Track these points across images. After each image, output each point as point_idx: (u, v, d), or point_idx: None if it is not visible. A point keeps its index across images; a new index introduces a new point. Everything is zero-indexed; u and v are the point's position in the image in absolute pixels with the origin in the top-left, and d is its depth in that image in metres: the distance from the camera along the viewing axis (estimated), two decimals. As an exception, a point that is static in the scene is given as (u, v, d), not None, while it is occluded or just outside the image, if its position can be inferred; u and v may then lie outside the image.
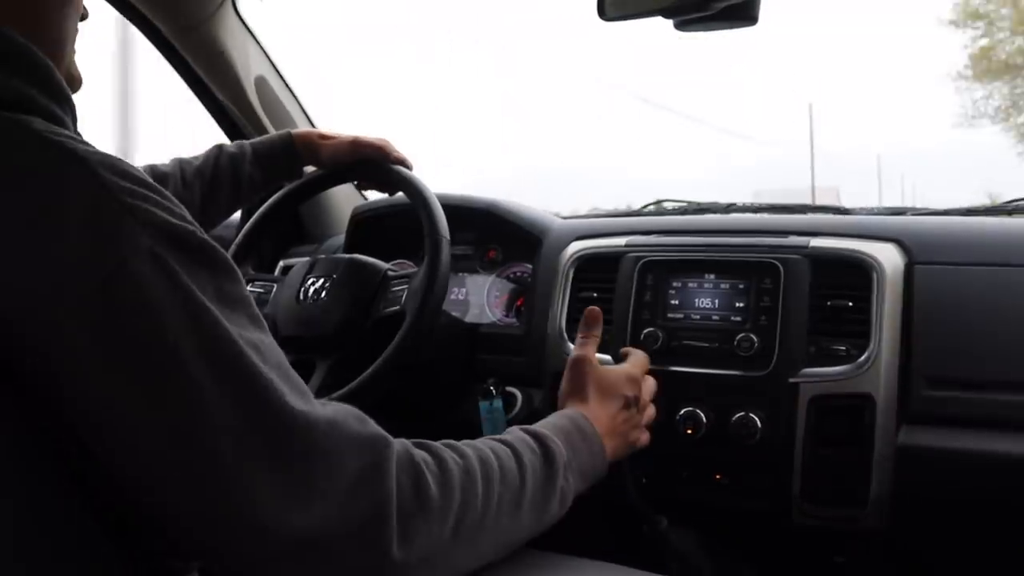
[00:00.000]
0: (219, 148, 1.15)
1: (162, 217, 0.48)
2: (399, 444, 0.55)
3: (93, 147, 0.50)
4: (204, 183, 1.12)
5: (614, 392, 0.85)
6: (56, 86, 0.54)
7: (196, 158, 1.15)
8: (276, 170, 1.17)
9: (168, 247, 0.47)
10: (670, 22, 0.77)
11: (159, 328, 0.45)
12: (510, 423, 1.29)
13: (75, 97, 0.57)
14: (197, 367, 0.46)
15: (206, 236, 0.51)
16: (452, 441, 0.62)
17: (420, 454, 0.56)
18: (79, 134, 0.54)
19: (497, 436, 0.68)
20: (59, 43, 0.60)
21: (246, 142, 1.18)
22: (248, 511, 0.46)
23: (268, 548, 0.47)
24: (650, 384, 0.91)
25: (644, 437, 0.89)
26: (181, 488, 0.46)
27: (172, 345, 0.45)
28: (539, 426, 0.73)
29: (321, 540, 0.47)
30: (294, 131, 1.18)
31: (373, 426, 0.54)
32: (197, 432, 0.45)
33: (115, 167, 0.48)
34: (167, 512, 0.47)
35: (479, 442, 0.64)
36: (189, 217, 0.51)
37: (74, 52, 0.64)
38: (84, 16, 0.64)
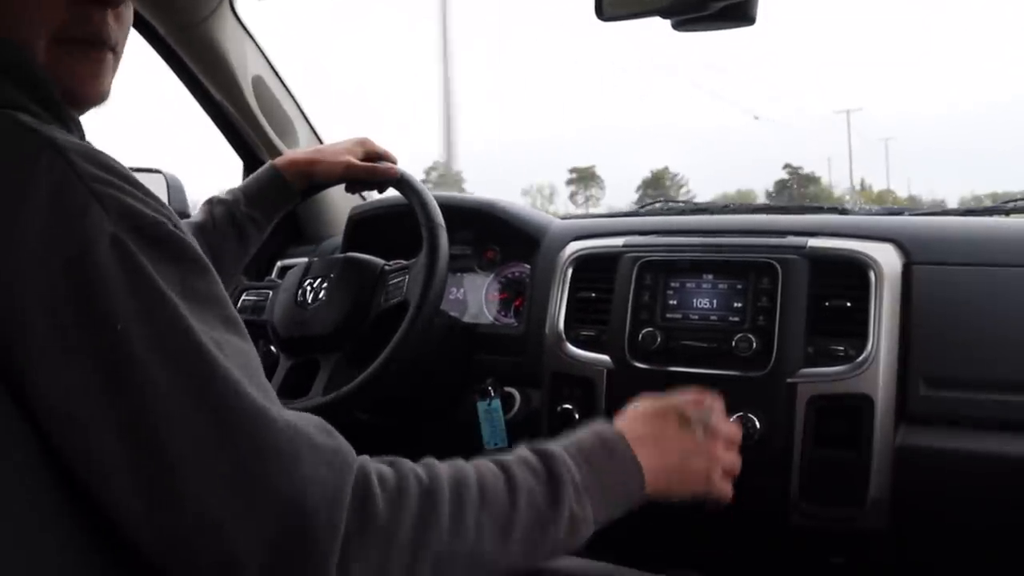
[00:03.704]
0: (210, 201, 1.14)
1: (129, 204, 0.47)
2: (357, 461, 0.51)
3: (76, 139, 0.49)
4: (207, 237, 1.09)
5: (666, 407, 0.75)
6: (50, 99, 0.53)
7: (194, 216, 1.13)
8: (272, 204, 1.15)
9: (132, 234, 0.46)
10: (668, 22, 0.77)
11: (113, 314, 0.44)
12: (508, 423, 1.29)
13: None
14: (149, 357, 0.45)
15: (178, 230, 0.50)
16: (432, 460, 0.57)
17: (380, 469, 0.52)
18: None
19: (501, 455, 0.62)
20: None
21: (236, 187, 1.16)
22: (190, 510, 0.45)
23: (207, 554, 0.45)
24: (722, 419, 0.79)
25: (718, 477, 0.76)
26: (129, 484, 0.45)
27: (124, 332, 0.44)
28: (556, 442, 0.65)
29: (257, 552, 0.45)
30: (276, 161, 1.15)
31: (338, 439, 0.51)
32: (144, 423, 0.44)
33: (90, 156, 0.48)
34: (118, 509, 0.46)
35: (471, 463, 0.59)
36: (164, 210, 0.50)
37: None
38: None
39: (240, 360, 0.49)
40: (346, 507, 0.48)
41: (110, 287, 0.45)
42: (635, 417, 0.74)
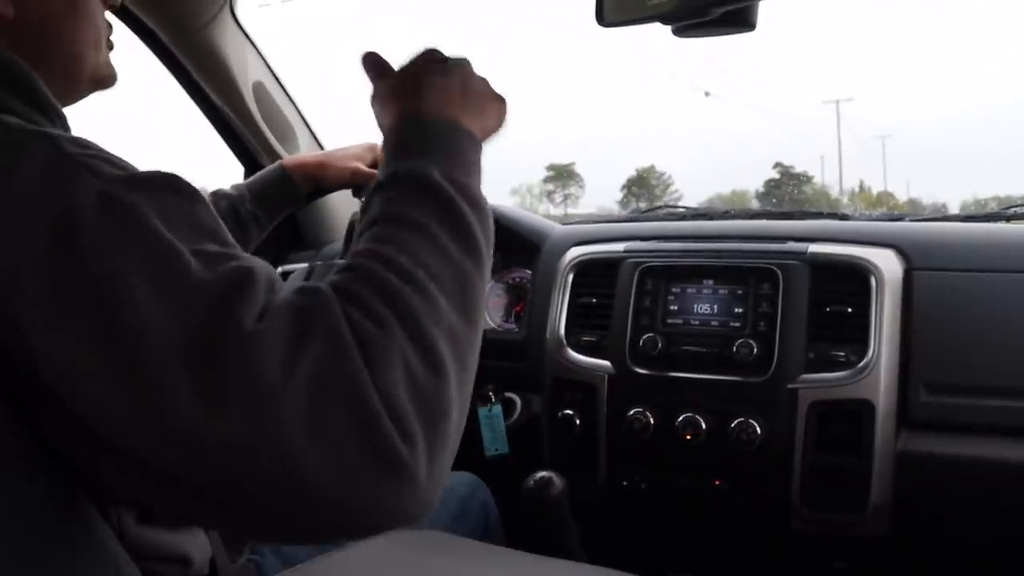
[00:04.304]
0: (215, 194, 1.14)
1: (120, 168, 0.50)
2: (336, 308, 0.48)
3: (64, 133, 0.52)
4: None
5: (434, 66, 0.66)
6: (38, 96, 0.57)
7: None
8: (276, 204, 1.15)
9: (121, 186, 0.48)
10: (668, 28, 0.77)
11: (108, 261, 0.45)
12: (509, 429, 1.29)
13: None
14: (148, 300, 0.45)
15: (173, 174, 0.52)
16: (354, 266, 0.53)
17: (341, 308, 0.49)
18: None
19: (375, 212, 0.57)
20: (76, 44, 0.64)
21: (242, 183, 1.16)
22: (173, 417, 0.44)
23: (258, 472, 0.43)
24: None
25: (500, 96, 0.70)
26: (137, 423, 0.44)
27: (121, 278, 0.45)
28: (392, 162, 0.60)
29: (298, 457, 0.43)
30: (284, 161, 1.16)
31: (314, 293, 0.49)
32: (144, 364, 0.44)
33: (77, 141, 0.50)
34: (134, 452, 0.45)
35: (364, 244, 0.55)
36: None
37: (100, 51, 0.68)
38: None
39: (237, 279, 0.48)
40: (357, 357, 0.46)
41: (102, 237, 0.46)
42: (430, 93, 0.65)
